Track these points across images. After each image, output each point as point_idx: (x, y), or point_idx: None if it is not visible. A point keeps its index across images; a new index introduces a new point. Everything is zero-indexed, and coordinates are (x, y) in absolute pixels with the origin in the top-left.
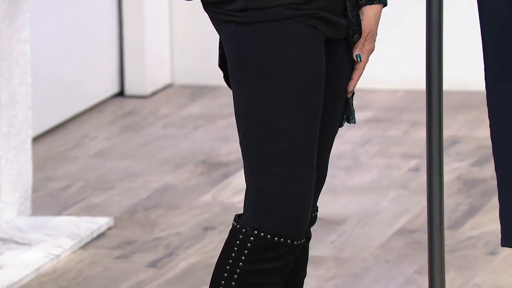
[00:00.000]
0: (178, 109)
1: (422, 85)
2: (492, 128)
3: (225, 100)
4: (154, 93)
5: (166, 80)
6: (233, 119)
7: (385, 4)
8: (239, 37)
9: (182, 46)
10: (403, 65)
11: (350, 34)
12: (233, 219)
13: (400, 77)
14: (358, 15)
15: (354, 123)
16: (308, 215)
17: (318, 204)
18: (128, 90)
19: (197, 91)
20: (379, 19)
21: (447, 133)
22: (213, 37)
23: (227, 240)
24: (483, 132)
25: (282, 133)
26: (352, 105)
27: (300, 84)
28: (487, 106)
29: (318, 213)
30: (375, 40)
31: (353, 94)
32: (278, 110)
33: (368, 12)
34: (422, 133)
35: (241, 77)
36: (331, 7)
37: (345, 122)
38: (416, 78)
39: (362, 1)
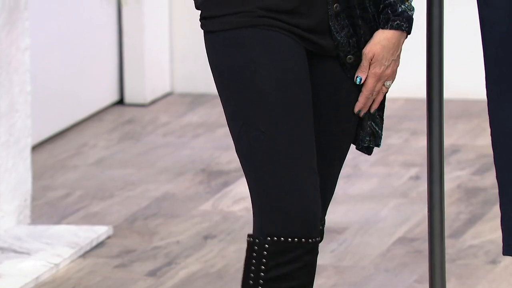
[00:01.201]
0: (177, 117)
1: (423, 93)
2: (493, 137)
3: None
4: (153, 101)
5: (166, 88)
6: None
7: (407, 32)
8: (209, 46)
9: (182, 54)
10: (403, 73)
11: (342, 55)
12: (230, 226)
13: (400, 85)
14: (354, 36)
15: (366, 151)
16: (314, 210)
17: None
18: (128, 98)
19: (197, 99)
20: (392, 45)
21: (447, 141)
22: None
23: (245, 257)
24: (484, 141)
25: (267, 136)
26: (374, 129)
27: (272, 85)
28: (488, 114)
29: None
30: (386, 65)
31: (379, 119)
32: (257, 114)
33: (377, 36)
34: (422, 141)
35: (218, 88)
36: (313, 27)
37: (361, 146)
38: (416, 86)
39: (380, 25)
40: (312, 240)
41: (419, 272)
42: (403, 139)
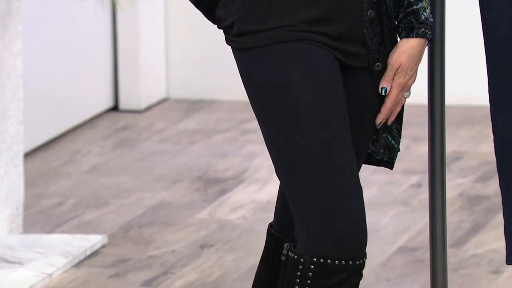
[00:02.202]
0: (173, 123)
1: (424, 99)
2: (496, 143)
3: (222, 114)
4: (149, 108)
5: (162, 94)
6: (230, 134)
7: (428, 39)
8: (243, 64)
9: (178, 59)
10: None
11: (371, 62)
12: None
13: None
14: (383, 43)
15: (386, 165)
16: (362, 230)
17: None
18: (123, 104)
19: (193, 105)
20: (417, 54)
21: (449, 148)
22: (209, 50)
23: (286, 272)
24: (487, 148)
25: (311, 151)
26: (390, 142)
27: (313, 98)
28: (491, 120)
29: None
30: (410, 75)
31: (396, 132)
32: (300, 129)
33: (402, 45)
34: (424, 148)
35: (256, 106)
36: (345, 34)
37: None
38: (418, 92)
39: (402, 33)
40: (360, 262)
41: (420, 282)
42: (404, 145)
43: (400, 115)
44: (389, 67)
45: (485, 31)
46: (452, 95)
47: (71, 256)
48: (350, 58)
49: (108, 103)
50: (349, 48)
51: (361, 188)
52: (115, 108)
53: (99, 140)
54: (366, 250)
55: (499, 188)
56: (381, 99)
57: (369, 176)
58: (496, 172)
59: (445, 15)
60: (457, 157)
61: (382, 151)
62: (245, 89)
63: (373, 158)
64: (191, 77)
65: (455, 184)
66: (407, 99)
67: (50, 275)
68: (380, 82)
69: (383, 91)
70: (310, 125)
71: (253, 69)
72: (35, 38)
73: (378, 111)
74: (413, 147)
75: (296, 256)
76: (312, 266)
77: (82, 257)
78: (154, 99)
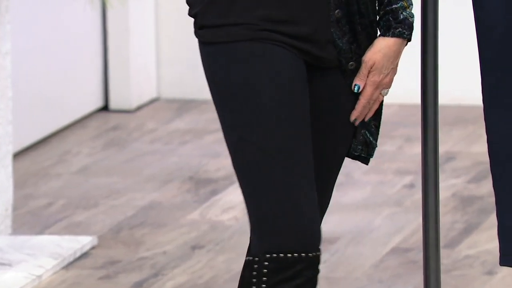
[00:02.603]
0: (164, 123)
1: (417, 99)
2: (489, 143)
3: (213, 114)
4: (139, 107)
5: (152, 94)
6: (221, 134)
7: (408, 40)
8: (205, 59)
9: (169, 59)
10: (397, 78)
11: (344, 62)
12: (219, 235)
13: (394, 91)
14: (355, 42)
15: (362, 160)
16: (313, 225)
17: None
18: (113, 104)
19: (184, 105)
20: (393, 53)
21: (442, 148)
22: None
23: (242, 275)
24: (480, 148)
25: (263, 150)
26: (368, 139)
27: (270, 101)
28: (485, 120)
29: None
30: (385, 73)
31: (374, 128)
32: (253, 129)
33: (378, 43)
34: (417, 148)
35: (215, 100)
36: (312, 35)
37: (353, 155)
38: (410, 92)
39: (380, 31)
40: (312, 254)
41: (413, 283)
42: (397, 146)
43: (378, 112)
44: (363, 64)
45: (479, 30)
46: (445, 95)
47: (61, 257)
48: (318, 60)
49: (98, 103)
50: (316, 49)
51: (315, 190)
52: (105, 108)
53: (89, 140)
54: (358, 251)
55: (492, 189)
56: (357, 96)
57: (362, 176)
58: (490, 172)
59: (438, 14)
60: (450, 157)
61: (360, 147)
62: (207, 84)
63: (350, 154)
64: (182, 77)
65: (448, 185)
66: (385, 96)
67: (39, 276)
68: (354, 79)
69: (355, 88)
70: (264, 125)
71: (213, 65)
72: (24, 37)
73: (354, 107)
74: (406, 147)
75: (250, 257)
76: (266, 263)
77: (71, 259)
78: (145, 99)
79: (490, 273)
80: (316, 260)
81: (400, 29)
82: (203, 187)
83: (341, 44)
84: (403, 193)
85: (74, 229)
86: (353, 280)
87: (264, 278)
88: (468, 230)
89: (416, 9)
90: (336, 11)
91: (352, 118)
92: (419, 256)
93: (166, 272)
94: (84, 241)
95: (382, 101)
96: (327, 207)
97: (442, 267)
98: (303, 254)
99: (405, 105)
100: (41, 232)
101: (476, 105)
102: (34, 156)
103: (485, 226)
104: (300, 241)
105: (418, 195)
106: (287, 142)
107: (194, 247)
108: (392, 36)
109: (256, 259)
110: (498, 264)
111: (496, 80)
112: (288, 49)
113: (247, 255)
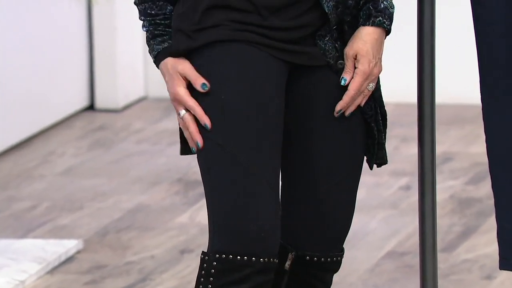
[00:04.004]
0: (152, 123)
1: (414, 98)
2: (488, 144)
3: None
4: (126, 107)
5: (140, 93)
6: None
7: (388, 31)
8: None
9: None
10: (393, 76)
11: (332, 62)
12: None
13: (390, 89)
14: (339, 40)
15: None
16: (268, 230)
17: None
18: (99, 103)
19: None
20: (375, 41)
21: (440, 149)
22: None
23: (196, 275)
24: (479, 148)
25: (224, 151)
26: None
27: (237, 101)
28: (483, 120)
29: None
30: (374, 62)
31: (379, 134)
32: (217, 127)
33: (358, 33)
34: (413, 149)
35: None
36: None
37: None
38: (407, 90)
39: (360, 21)
40: (264, 260)
41: None
42: (392, 146)
43: (384, 121)
44: (345, 57)
45: (477, 28)
46: (443, 93)
47: (45, 262)
48: (309, 60)
49: (84, 102)
50: (304, 49)
51: (276, 194)
52: (91, 107)
53: (74, 141)
54: (352, 255)
55: (491, 190)
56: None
57: None
58: (488, 173)
59: (435, 10)
60: (448, 158)
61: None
62: None
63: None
64: None
65: (445, 186)
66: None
67: (22, 282)
68: (342, 73)
69: (342, 81)
70: (227, 123)
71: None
72: (7, 35)
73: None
74: (402, 148)
75: (202, 255)
76: (215, 263)
77: (56, 263)
78: (132, 98)
79: (489, 277)
80: (269, 266)
81: (380, 18)
82: (192, 189)
83: (323, 45)
84: (399, 195)
85: (58, 233)
86: (348, 285)
87: (211, 279)
88: (466, 233)
89: (413, 6)
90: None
91: (338, 108)
92: (416, 260)
93: (154, 277)
94: (69, 245)
95: (385, 112)
96: (348, 227)
97: (439, 272)
98: (253, 259)
99: (401, 104)
100: (24, 235)
101: (474, 104)
102: (17, 157)
103: (483, 229)
104: (251, 245)
105: (414, 197)
106: (250, 144)
107: (183, 251)
108: (371, 25)
109: (206, 258)
110: (497, 268)
111: (494, 79)
112: (264, 50)
113: (202, 252)
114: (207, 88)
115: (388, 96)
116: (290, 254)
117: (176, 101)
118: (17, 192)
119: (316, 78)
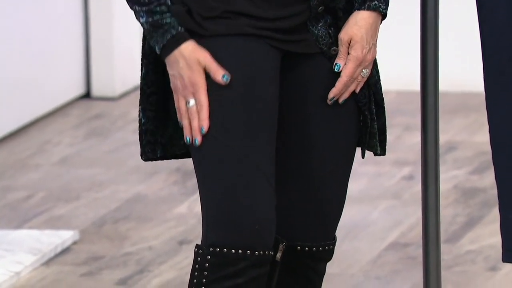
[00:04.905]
0: None
1: (416, 86)
2: (491, 133)
3: None
4: (123, 95)
5: (137, 80)
6: None
7: (384, 15)
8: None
9: None
10: (395, 63)
11: (325, 49)
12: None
13: (392, 76)
14: (332, 27)
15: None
16: (263, 222)
17: None
18: (95, 91)
19: None
20: (369, 26)
21: (443, 138)
22: None
23: (191, 269)
24: (483, 137)
25: (218, 142)
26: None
27: (232, 93)
28: (486, 109)
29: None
30: (367, 48)
31: (371, 122)
32: (212, 119)
33: (352, 18)
34: (416, 138)
35: None
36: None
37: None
38: (409, 78)
39: (355, 6)
40: (259, 253)
41: (412, 280)
42: (395, 135)
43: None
44: (339, 42)
45: (481, 15)
46: (446, 80)
47: (40, 253)
48: (304, 47)
49: (80, 90)
50: (293, 37)
51: (272, 187)
52: (87, 95)
53: (70, 130)
54: (354, 247)
55: (495, 180)
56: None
57: (358, 167)
58: (492, 163)
59: None
60: (452, 147)
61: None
62: None
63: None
64: None
65: (449, 176)
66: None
67: (17, 273)
68: (336, 59)
69: (336, 67)
70: (223, 117)
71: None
72: (2, 22)
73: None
74: (405, 137)
75: (196, 249)
76: (209, 256)
77: (52, 254)
78: (129, 85)
79: (494, 269)
80: (264, 259)
81: (376, 1)
82: (190, 179)
83: (316, 32)
84: (402, 185)
85: (54, 223)
86: (349, 276)
87: (205, 273)
88: (470, 224)
89: None
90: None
91: (330, 96)
92: (419, 252)
93: (152, 269)
94: (65, 236)
95: (383, 102)
96: (340, 213)
97: (442, 263)
98: (248, 252)
99: (403, 91)
100: (19, 226)
101: (479, 92)
102: (12, 146)
103: (488, 220)
104: (246, 238)
105: (417, 187)
106: (245, 135)
107: (181, 242)
108: (367, 9)
109: (200, 251)
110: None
111: (498, 66)
112: (257, 40)
113: (195, 245)
114: (228, 80)
115: (390, 83)
116: (280, 245)
117: (189, 89)
118: (12, 182)
119: (311, 66)
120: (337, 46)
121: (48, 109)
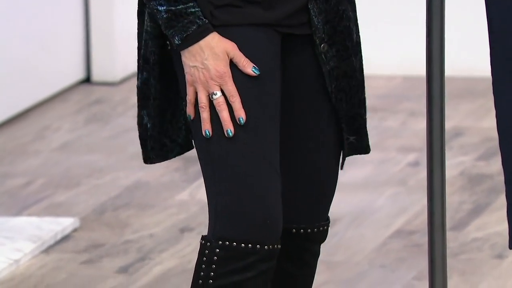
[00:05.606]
0: None
1: (422, 71)
2: (498, 119)
3: None
4: (124, 80)
5: None
6: None
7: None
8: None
9: None
10: (401, 48)
11: (317, 43)
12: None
13: (398, 61)
14: (328, 23)
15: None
16: (273, 216)
17: None
18: (95, 76)
19: None
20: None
21: (449, 124)
22: None
23: (196, 261)
24: (489, 123)
25: (222, 132)
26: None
27: (237, 84)
28: (493, 94)
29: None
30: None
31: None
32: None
33: None
34: (422, 123)
35: None
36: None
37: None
38: (415, 63)
39: None
40: (269, 247)
41: (418, 268)
42: (400, 121)
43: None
44: None
45: None
46: (452, 65)
47: (40, 240)
48: (305, 29)
49: (80, 74)
50: (293, 21)
51: (279, 179)
52: (87, 80)
53: (70, 115)
54: (359, 234)
55: (501, 166)
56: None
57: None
58: (499, 149)
59: None
60: (458, 133)
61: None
62: None
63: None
64: None
65: (455, 162)
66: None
67: (17, 261)
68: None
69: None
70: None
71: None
72: (1, 7)
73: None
74: (410, 123)
75: (203, 241)
76: (218, 250)
77: (52, 242)
78: (130, 70)
79: (500, 256)
80: (273, 253)
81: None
82: (192, 165)
83: (317, 23)
84: (407, 172)
85: (54, 210)
86: (354, 264)
87: (213, 266)
88: (477, 211)
89: None
90: None
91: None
92: (424, 239)
93: (153, 256)
94: (65, 223)
95: (364, 94)
96: (333, 195)
97: (448, 251)
98: (258, 246)
99: (409, 77)
100: (19, 213)
101: (485, 77)
102: (11, 131)
103: (495, 207)
104: (256, 231)
105: (423, 173)
106: (253, 126)
107: (183, 230)
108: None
109: (208, 244)
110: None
111: (505, 50)
112: (258, 29)
113: (202, 237)
114: (258, 72)
115: (395, 69)
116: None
117: (215, 80)
118: (11, 168)
119: (305, 50)
120: (326, 43)
121: (48, 94)
